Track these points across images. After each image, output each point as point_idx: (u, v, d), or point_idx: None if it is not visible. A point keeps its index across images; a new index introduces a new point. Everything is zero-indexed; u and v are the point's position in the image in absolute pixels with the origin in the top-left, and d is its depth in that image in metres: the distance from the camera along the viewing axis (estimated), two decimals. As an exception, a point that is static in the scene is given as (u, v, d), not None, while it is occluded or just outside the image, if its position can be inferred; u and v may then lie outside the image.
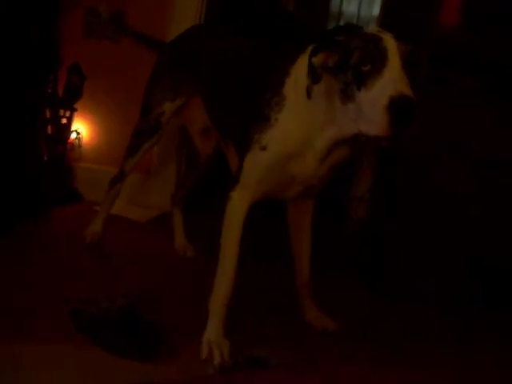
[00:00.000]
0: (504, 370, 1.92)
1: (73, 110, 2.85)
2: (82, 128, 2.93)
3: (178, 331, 1.75)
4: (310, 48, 1.59)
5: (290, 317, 1.99)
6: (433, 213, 2.45)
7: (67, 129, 2.86)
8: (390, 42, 1.46)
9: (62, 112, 2.83)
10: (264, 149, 1.66)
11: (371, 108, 1.42)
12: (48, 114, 2.80)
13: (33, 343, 1.57)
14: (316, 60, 1.54)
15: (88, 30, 2.88)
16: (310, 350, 1.81)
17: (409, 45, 1.48)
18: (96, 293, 1.87)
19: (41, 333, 1.63)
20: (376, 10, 5.70)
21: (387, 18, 3.81)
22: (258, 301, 2.06)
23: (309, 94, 1.56)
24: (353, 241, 2.92)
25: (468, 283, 2.41)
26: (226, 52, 1.99)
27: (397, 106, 1.37)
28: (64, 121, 2.84)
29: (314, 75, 1.54)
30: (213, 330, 1.68)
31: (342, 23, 5.95)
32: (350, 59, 1.49)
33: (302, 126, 1.64)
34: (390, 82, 1.40)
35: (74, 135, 2.91)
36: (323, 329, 1.94)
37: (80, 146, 2.92)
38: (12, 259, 2.07)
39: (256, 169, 1.69)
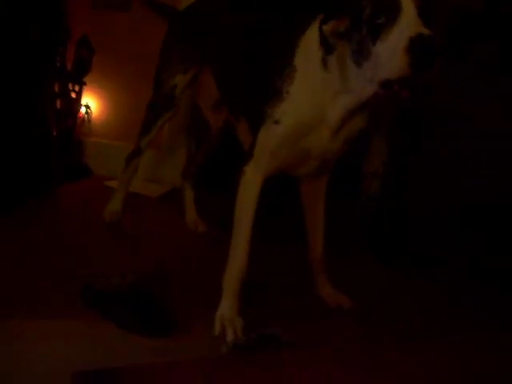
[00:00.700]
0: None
1: (82, 84, 2.82)
2: (91, 102, 2.89)
3: (191, 307, 1.74)
4: (319, 17, 1.55)
5: (304, 294, 1.97)
6: (444, 185, 2.42)
7: (76, 103, 2.83)
8: None
9: (71, 86, 2.81)
10: (277, 122, 1.63)
11: (390, 55, 1.36)
12: (57, 88, 2.77)
13: (43, 318, 1.56)
14: (327, 28, 1.50)
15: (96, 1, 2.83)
16: (323, 328, 1.78)
17: None
18: (106, 268, 1.86)
19: (51, 308, 1.62)
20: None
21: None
22: (271, 278, 2.03)
23: (325, 65, 1.53)
24: (367, 217, 2.89)
25: (484, 258, 2.39)
26: (235, 24, 1.95)
27: (417, 45, 1.32)
28: (73, 95, 2.81)
29: (327, 46, 1.51)
30: (226, 307, 1.66)
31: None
32: (361, 16, 1.44)
33: (315, 97, 1.61)
34: (407, 26, 1.36)
35: (83, 109, 2.87)
36: (337, 306, 1.92)
37: (89, 120, 2.89)
38: (22, 235, 2.05)
39: (270, 143, 1.66)
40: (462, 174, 2.42)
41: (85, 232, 2.21)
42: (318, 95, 1.60)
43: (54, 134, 2.76)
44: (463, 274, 2.35)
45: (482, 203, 2.39)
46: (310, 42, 1.58)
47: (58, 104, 2.79)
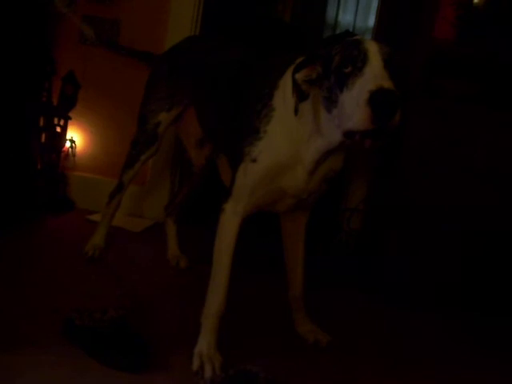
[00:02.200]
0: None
1: (67, 119, 2.85)
2: (76, 137, 2.92)
3: (171, 343, 1.75)
4: (298, 59, 1.60)
5: (283, 330, 1.99)
6: (428, 223, 2.47)
7: (61, 137, 2.85)
8: (370, 44, 1.46)
9: (56, 120, 2.83)
10: (254, 161, 1.66)
11: (353, 106, 1.41)
12: (42, 123, 2.80)
13: (24, 353, 1.56)
14: (299, 76, 1.55)
15: (83, 37, 2.87)
16: (301, 365, 1.80)
17: (391, 47, 1.47)
18: (88, 303, 1.86)
19: (32, 342, 1.63)
20: (371, 21, 5.72)
21: (382, 29, 3.83)
22: (250, 314, 2.05)
23: (296, 112, 1.57)
24: (344, 252, 2.93)
25: (465, 290, 2.45)
26: (216, 64, 2.00)
27: (377, 99, 1.36)
28: (58, 129, 2.84)
29: (300, 93, 1.55)
30: (205, 343, 1.68)
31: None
32: (331, 65, 1.50)
33: (291, 137, 1.64)
34: (371, 78, 1.40)
35: (68, 144, 2.90)
36: (316, 342, 1.93)
37: (74, 154, 2.91)
38: (4, 267, 2.06)
39: (248, 181, 1.69)
40: (442, 208, 2.48)
41: (66, 265, 2.21)
42: (294, 136, 1.64)
43: (39, 167, 2.79)
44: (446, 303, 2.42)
45: (468, 233, 2.46)
46: (288, 85, 1.62)
47: (43, 138, 2.81)
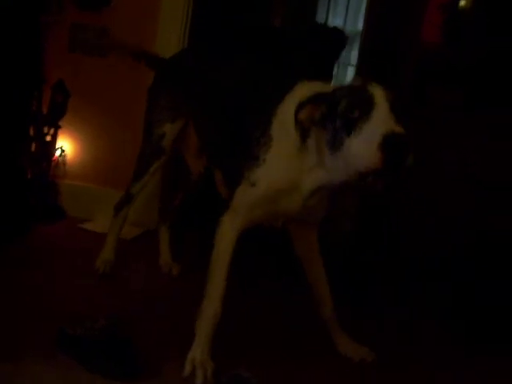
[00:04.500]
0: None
1: (57, 128, 2.84)
2: (66, 145, 2.92)
3: (162, 351, 1.76)
4: (297, 86, 1.64)
5: (275, 338, 2.00)
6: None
7: (51, 146, 2.84)
8: (376, 89, 1.48)
9: (46, 129, 2.82)
10: (253, 185, 1.69)
11: (363, 150, 1.41)
12: (32, 132, 2.79)
13: (15, 362, 1.57)
14: (302, 115, 1.56)
15: (73, 45, 2.88)
16: (294, 372, 1.81)
17: (395, 91, 1.49)
18: (79, 312, 1.86)
19: (24, 352, 1.63)
20: (361, 24, 5.75)
21: (370, 33, 3.86)
22: (245, 322, 2.05)
23: (300, 148, 1.59)
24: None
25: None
26: (217, 82, 1.99)
27: (390, 143, 1.38)
28: (48, 138, 2.83)
29: (302, 131, 1.57)
30: (198, 350, 1.68)
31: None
32: (337, 108, 1.50)
33: (290, 167, 1.66)
34: (381, 122, 1.42)
35: (58, 152, 2.90)
36: (361, 360, 1.91)
37: (64, 163, 2.91)
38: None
39: (246, 201, 1.72)
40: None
41: (57, 274, 2.21)
42: (293, 164, 1.66)
43: (29, 176, 2.78)
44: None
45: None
46: (286, 113, 1.63)
47: (33, 147, 2.81)
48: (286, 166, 1.66)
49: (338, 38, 4.01)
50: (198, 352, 1.68)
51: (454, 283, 2.52)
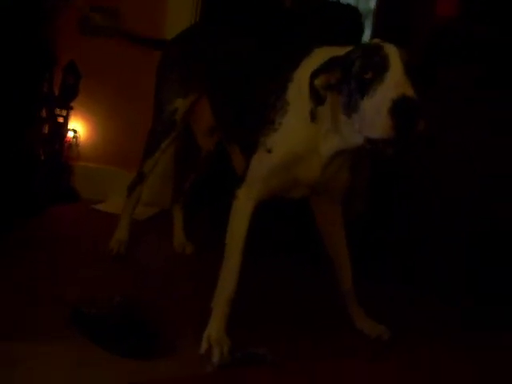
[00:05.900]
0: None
1: (69, 109, 2.84)
2: (78, 127, 2.91)
3: (177, 329, 1.75)
4: (313, 51, 1.61)
5: (292, 314, 1.99)
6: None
7: (64, 128, 2.85)
8: (390, 49, 1.45)
9: (58, 111, 2.82)
10: (269, 151, 1.66)
11: (375, 113, 1.39)
12: (44, 113, 2.79)
13: (31, 342, 1.57)
14: (318, 82, 1.53)
15: (83, 27, 2.86)
16: (307, 346, 1.80)
17: (411, 50, 1.46)
18: (94, 292, 1.87)
19: (40, 332, 1.63)
20: (373, 3, 5.67)
21: (384, 11, 3.81)
22: (260, 298, 2.04)
23: (312, 117, 1.57)
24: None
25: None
26: (230, 53, 1.98)
27: (399, 109, 1.35)
28: (60, 120, 2.83)
29: (317, 98, 1.54)
30: (214, 327, 1.67)
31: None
32: (351, 70, 1.48)
33: (306, 131, 1.63)
34: (392, 85, 1.38)
35: (71, 134, 2.90)
36: (377, 337, 1.90)
37: (77, 144, 2.91)
38: (9, 259, 2.06)
39: (262, 169, 1.69)
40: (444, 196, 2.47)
41: (72, 255, 2.21)
42: (309, 130, 1.63)
43: (42, 158, 2.79)
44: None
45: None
46: (303, 77, 1.60)
47: (46, 129, 2.81)
48: (303, 130, 1.63)
49: (353, 18, 3.95)
50: (214, 329, 1.67)
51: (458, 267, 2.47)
